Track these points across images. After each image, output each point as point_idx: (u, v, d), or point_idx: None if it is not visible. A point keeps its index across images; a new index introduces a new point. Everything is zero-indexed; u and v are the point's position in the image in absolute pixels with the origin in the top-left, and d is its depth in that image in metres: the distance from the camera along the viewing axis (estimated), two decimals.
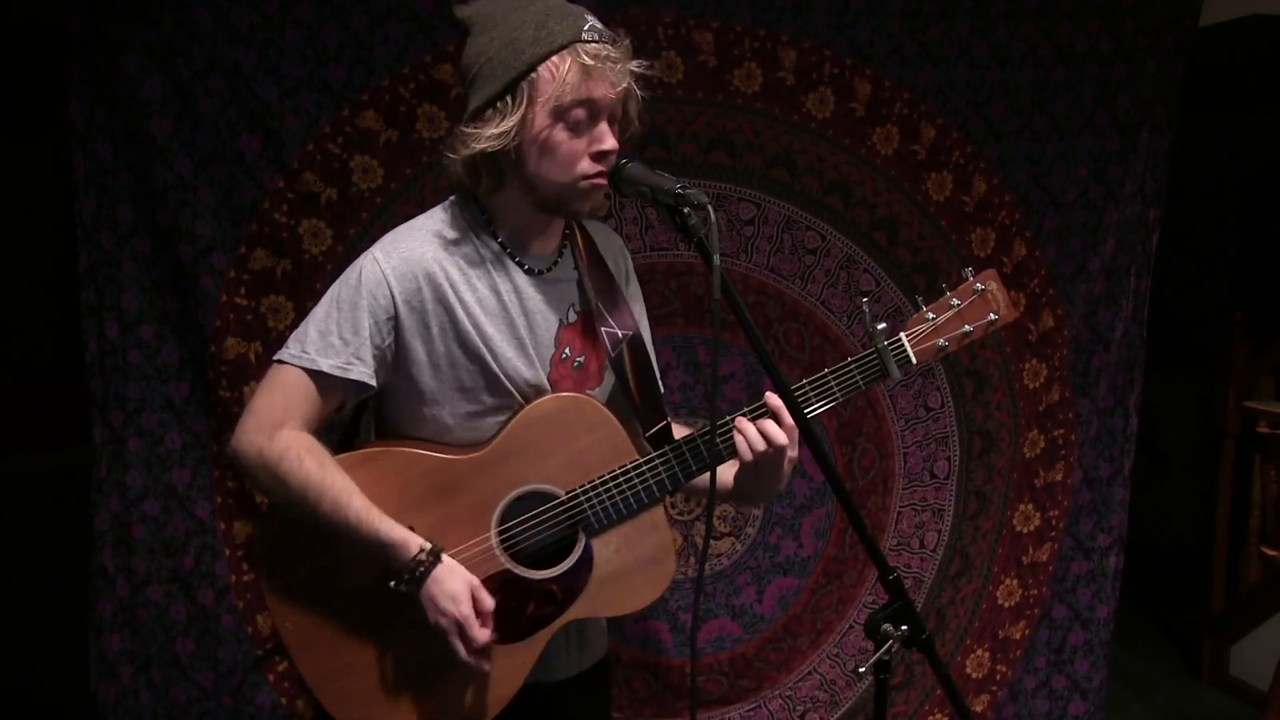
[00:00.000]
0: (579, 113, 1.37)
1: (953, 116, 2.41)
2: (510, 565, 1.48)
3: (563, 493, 1.48)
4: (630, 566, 1.50)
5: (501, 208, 1.49)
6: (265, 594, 1.51)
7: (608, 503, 1.47)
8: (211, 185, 2.15)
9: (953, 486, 2.56)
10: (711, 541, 2.46)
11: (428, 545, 1.41)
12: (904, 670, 2.58)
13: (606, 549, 1.49)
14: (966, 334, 1.54)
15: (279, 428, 1.42)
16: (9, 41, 2.83)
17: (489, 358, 1.46)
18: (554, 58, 1.35)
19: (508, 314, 1.48)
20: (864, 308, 1.53)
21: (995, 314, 1.55)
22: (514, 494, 1.48)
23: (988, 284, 1.54)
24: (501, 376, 1.47)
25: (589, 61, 1.35)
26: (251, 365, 2.20)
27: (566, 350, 1.53)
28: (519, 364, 1.48)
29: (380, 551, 1.40)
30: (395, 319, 1.43)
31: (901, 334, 1.52)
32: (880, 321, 1.51)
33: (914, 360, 1.52)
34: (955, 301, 1.53)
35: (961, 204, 2.46)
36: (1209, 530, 3.74)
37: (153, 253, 2.18)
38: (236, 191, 2.16)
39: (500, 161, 1.42)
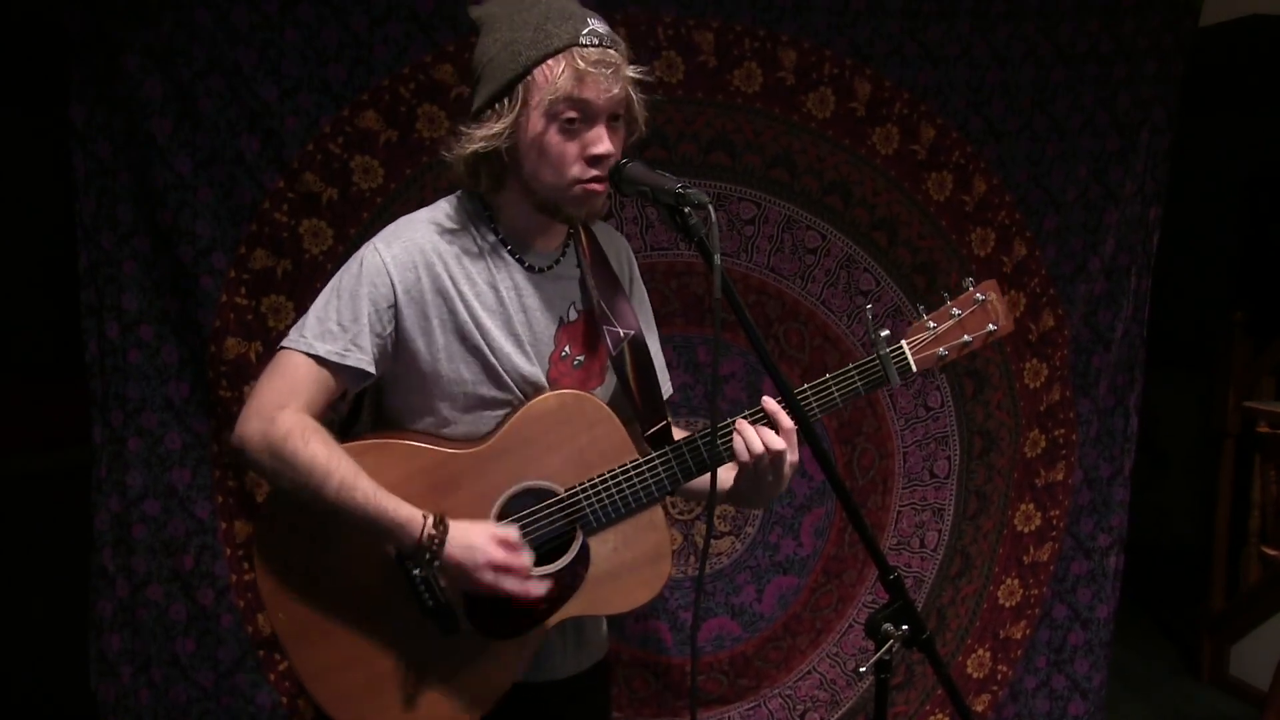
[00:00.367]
0: (573, 115, 1.37)
1: (953, 116, 2.41)
2: None
3: (562, 490, 1.48)
4: (627, 565, 1.51)
5: (503, 206, 1.49)
6: (259, 585, 1.51)
7: (606, 501, 1.47)
8: (211, 185, 2.15)
9: (953, 486, 2.56)
10: (711, 541, 2.46)
11: (433, 516, 1.40)
12: (904, 670, 2.58)
13: (604, 547, 1.50)
14: (966, 344, 1.57)
15: (281, 409, 1.41)
16: (9, 41, 2.82)
17: (487, 351, 1.46)
18: (549, 60, 1.35)
19: (505, 310, 1.48)
20: (866, 314, 1.54)
21: (994, 325, 1.58)
22: (513, 490, 1.48)
23: (988, 295, 1.57)
24: (500, 370, 1.47)
25: (583, 66, 1.34)
26: (252, 365, 2.20)
27: (566, 348, 1.53)
28: (517, 360, 1.48)
29: (389, 531, 1.39)
30: (395, 308, 1.43)
31: (903, 342, 1.54)
32: (882, 328, 1.52)
33: (914, 368, 1.55)
34: (956, 311, 1.56)
35: (961, 204, 2.46)
36: (1209, 530, 3.74)
37: (153, 253, 2.18)
38: (236, 191, 2.16)
39: (497, 162, 1.42)
